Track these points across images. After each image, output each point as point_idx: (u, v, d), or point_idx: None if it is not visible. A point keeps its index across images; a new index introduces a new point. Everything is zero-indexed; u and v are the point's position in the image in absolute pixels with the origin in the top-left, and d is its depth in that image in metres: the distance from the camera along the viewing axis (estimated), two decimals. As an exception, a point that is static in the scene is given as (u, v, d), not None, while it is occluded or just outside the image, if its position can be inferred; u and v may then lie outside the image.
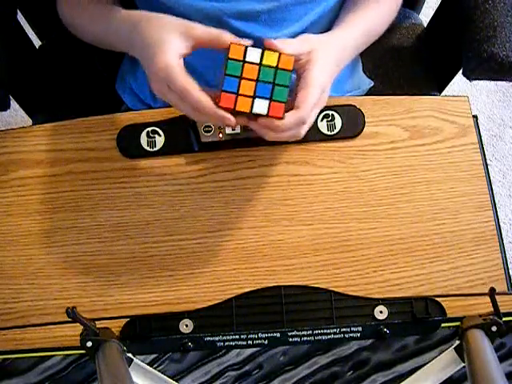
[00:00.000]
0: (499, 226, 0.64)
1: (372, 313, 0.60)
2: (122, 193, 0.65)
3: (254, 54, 0.54)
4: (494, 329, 0.55)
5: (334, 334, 0.60)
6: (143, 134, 0.66)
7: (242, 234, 0.64)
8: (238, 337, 0.60)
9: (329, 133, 0.66)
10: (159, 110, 0.68)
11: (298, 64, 0.57)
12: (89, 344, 0.55)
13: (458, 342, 0.57)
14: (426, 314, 0.60)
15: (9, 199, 0.66)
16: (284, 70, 0.54)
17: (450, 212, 0.64)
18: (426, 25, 0.99)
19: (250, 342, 0.60)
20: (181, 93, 0.53)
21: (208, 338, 0.60)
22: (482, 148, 0.67)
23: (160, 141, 0.66)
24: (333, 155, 0.66)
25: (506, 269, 0.62)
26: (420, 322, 0.60)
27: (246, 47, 0.54)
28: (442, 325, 0.60)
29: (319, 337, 0.60)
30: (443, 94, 0.94)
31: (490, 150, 1.49)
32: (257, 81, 0.54)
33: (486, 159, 0.66)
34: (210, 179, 0.65)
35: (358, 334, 0.60)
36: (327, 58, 0.58)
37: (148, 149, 0.66)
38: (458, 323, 0.59)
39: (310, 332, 0.60)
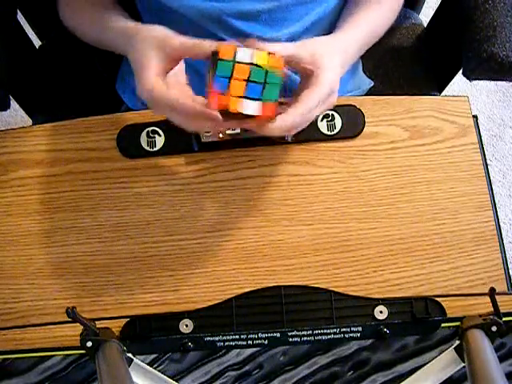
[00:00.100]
0: (499, 226, 0.64)
1: (372, 313, 0.60)
2: (121, 193, 0.65)
3: (244, 54, 0.53)
4: (494, 329, 0.55)
5: (334, 334, 0.60)
6: (143, 134, 0.66)
7: (242, 234, 0.64)
8: (237, 337, 0.60)
9: (329, 133, 0.66)
10: (159, 110, 0.68)
11: (301, 67, 0.57)
12: (89, 344, 0.55)
13: (458, 342, 0.57)
14: (426, 314, 0.60)
15: (9, 199, 0.66)
16: (274, 68, 0.54)
17: (450, 212, 0.64)
18: (426, 25, 0.99)
19: (250, 341, 0.60)
20: (169, 107, 0.54)
21: (208, 338, 0.60)
22: (482, 148, 0.67)
23: (160, 141, 0.66)
24: (333, 155, 0.66)
25: (506, 269, 0.62)
26: (420, 322, 0.60)
27: (236, 47, 0.53)
28: (442, 325, 0.60)
29: (319, 337, 0.60)
30: (443, 93, 0.94)
31: (490, 150, 1.49)
32: (248, 81, 0.53)
33: (485, 159, 0.66)
34: (209, 179, 0.65)
35: (358, 334, 0.60)
36: (334, 61, 0.58)
37: (148, 149, 0.66)
38: (458, 323, 0.59)
39: (310, 332, 0.60)
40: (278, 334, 0.60)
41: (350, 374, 0.59)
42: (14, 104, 0.84)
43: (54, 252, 0.64)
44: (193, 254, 0.63)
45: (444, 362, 0.57)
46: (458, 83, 1.51)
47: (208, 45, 0.53)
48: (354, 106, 0.67)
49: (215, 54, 0.53)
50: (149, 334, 0.60)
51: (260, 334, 0.60)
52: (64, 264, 0.63)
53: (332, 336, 0.60)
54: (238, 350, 0.60)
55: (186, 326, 0.60)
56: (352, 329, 0.60)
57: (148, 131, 0.66)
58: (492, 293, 0.53)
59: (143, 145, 0.66)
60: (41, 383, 0.59)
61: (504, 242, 0.64)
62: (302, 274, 0.62)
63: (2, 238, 0.64)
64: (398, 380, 0.58)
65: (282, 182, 0.65)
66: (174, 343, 0.60)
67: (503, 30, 0.72)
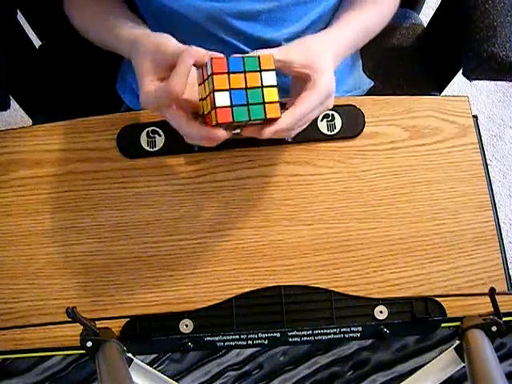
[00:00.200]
0: (499, 226, 0.64)
1: (372, 313, 0.60)
2: (122, 193, 0.65)
3: (236, 63, 0.53)
4: (493, 329, 0.55)
5: (334, 334, 0.60)
6: (143, 134, 0.66)
7: (242, 234, 0.64)
8: (237, 337, 0.60)
9: (329, 133, 0.66)
10: (159, 109, 0.68)
11: (295, 72, 0.57)
12: (89, 344, 0.55)
13: (458, 342, 0.57)
14: (426, 314, 0.60)
15: (9, 199, 0.66)
16: (267, 70, 0.54)
17: (450, 212, 0.64)
18: (426, 25, 0.99)
19: (250, 341, 0.60)
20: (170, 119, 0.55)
21: (208, 338, 0.60)
22: (482, 148, 0.67)
23: (160, 141, 0.66)
24: (333, 155, 0.66)
25: (506, 269, 0.62)
26: (420, 322, 0.60)
27: (228, 58, 0.53)
28: (442, 325, 0.60)
29: (319, 337, 0.60)
30: (443, 93, 0.94)
31: (490, 150, 1.49)
32: (246, 88, 0.53)
33: (486, 159, 0.66)
34: (209, 179, 0.65)
35: (358, 334, 0.60)
36: (327, 59, 0.58)
37: (148, 149, 0.66)
38: (458, 323, 0.59)
39: (310, 332, 0.60)
40: (278, 334, 0.60)
41: (349, 373, 0.59)
42: (14, 104, 0.84)
43: (54, 252, 0.64)
44: (193, 254, 0.63)
45: (444, 362, 0.57)
46: (458, 83, 1.51)
47: (201, 52, 0.53)
48: (354, 106, 0.67)
49: (209, 66, 0.52)
50: (149, 334, 0.60)
51: (260, 334, 0.60)
52: (64, 264, 0.63)
53: (332, 336, 0.60)
54: (238, 350, 0.60)
55: (186, 326, 0.60)
56: (352, 329, 0.60)
57: (148, 131, 0.66)
58: (492, 293, 0.53)
59: (143, 145, 0.66)
60: (41, 383, 0.59)
61: (504, 241, 0.64)
62: (302, 274, 0.62)
63: (2, 238, 0.64)
64: (398, 380, 0.58)
65: (281, 182, 0.65)
66: (173, 343, 0.60)
67: (503, 29, 0.73)
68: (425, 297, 0.60)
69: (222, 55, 0.53)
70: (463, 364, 0.56)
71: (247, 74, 0.53)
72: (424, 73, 0.94)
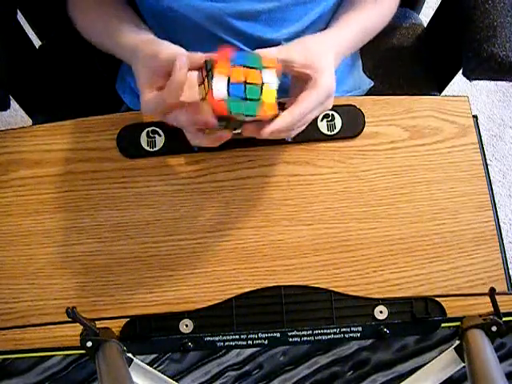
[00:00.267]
0: (499, 226, 0.64)
1: (372, 313, 0.60)
2: (122, 193, 0.65)
3: (240, 57, 0.53)
4: (493, 329, 0.55)
5: (334, 334, 0.60)
6: (143, 134, 0.66)
7: (242, 234, 0.64)
8: (238, 337, 0.60)
9: (329, 133, 0.66)
10: (159, 109, 0.68)
11: (295, 71, 0.57)
12: (89, 344, 0.55)
13: (458, 342, 0.57)
14: (426, 313, 0.60)
15: (9, 199, 0.66)
16: (269, 68, 0.54)
17: (450, 212, 0.64)
18: (426, 25, 0.99)
19: (250, 342, 0.60)
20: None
21: (208, 338, 0.60)
22: (482, 148, 0.67)
23: (160, 141, 0.66)
24: (333, 155, 0.66)
25: (506, 269, 0.62)
26: (420, 322, 0.60)
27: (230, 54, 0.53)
28: (442, 325, 0.60)
29: (319, 337, 0.60)
30: (443, 93, 0.94)
31: (490, 150, 1.49)
32: (245, 83, 0.53)
33: (486, 159, 0.66)
34: (209, 179, 0.65)
35: (358, 334, 0.60)
36: (329, 60, 0.58)
37: (148, 149, 0.66)
38: (458, 323, 0.59)
39: (310, 332, 0.60)
40: (278, 334, 0.60)
41: (349, 373, 0.59)
42: (14, 104, 0.84)
43: (54, 252, 0.64)
44: (193, 254, 0.63)
45: (444, 362, 0.57)
46: (458, 83, 1.51)
47: (195, 57, 0.53)
48: (354, 106, 0.67)
49: (208, 63, 0.52)
50: (149, 334, 0.60)
51: (260, 334, 0.60)
52: (64, 264, 0.63)
53: (332, 336, 0.60)
54: (238, 350, 0.60)
55: (186, 326, 0.60)
56: (352, 329, 0.60)
57: (148, 131, 0.66)
58: (492, 293, 0.53)
59: (143, 145, 0.66)
60: (41, 383, 0.59)
61: (504, 241, 0.64)
62: (302, 274, 0.62)
63: (2, 237, 0.64)
64: (398, 380, 0.58)
65: (281, 182, 0.65)
66: (174, 343, 0.60)
67: (503, 30, 0.73)
68: (425, 297, 0.60)
69: (224, 49, 0.53)
70: (463, 364, 0.56)
71: (248, 70, 0.53)
72: (424, 73, 0.94)
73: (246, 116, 0.52)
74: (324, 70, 0.56)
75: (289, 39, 0.67)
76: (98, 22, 0.69)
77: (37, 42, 0.98)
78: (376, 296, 0.61)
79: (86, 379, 0.59)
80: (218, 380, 0.59)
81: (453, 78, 0.90)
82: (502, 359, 0.59)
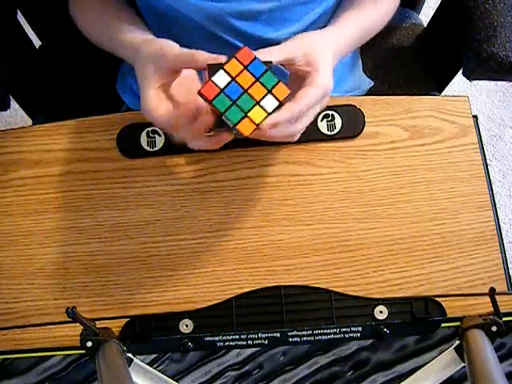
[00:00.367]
0: (499, 226, 0.64)
1: (372, 313, 0.60)
2: (122, 193, 0.65)
3: (257, 67, 0.53)
4: (493, 329, 0.55)
5: (334, 334, 0.60)
6: (143, 134, 0.66)
7: (242, 234, 0.64)
8: (238, 337, 0.60)
9: (329, 133, 0.66)
10: (159, 109, 0.68)
11: (295, 68, 0.57)
12: (89, 344, 0.55)
13: (458, 342, 0.57)
14: (426, 313, 0.60)
15: (9, 199, 0.66)
16: (274, 96, 0.54)
17: (450, 212, 0.64)
18: (426, 25, 0.99)
19: (250, 341, 0.60)
20: (170, 128, 0.56)
21: (208, 338, 0.60)
22: (482, 148, 0.67)
23: (160, 141, 0.66)
24: (333, 155, 0.66)
25: (506, 269, 0.62)
26: (420, 322, 0.60)
27: (256, 57, 0.53)
28: (442, 325, 0.60)
29: (319, 337, 0.60)
30: (443, 94, 0.94)
31: (490, 150, 1.49)
32: (245, 91, 0.53)
33: (486, 159, 0.66)
34: (209, 179, 0.65)
35: (358, 334, 0.60)
36: (327, 59, 0.58)
37: (148, 149, 0.66)
38: (458, 323, 0.59)
39: (310, 332, 0.60)
40: (278, 334, 0.60)
41: (349, 373, 0.59)
42: (14, 104, 0.84)
43: (53, 252, 0.64)
44: (193, 253, 0.63)
45: (444, 362, 0.57)
46: (458, 83, 1.51)
47: (202, 56, 0.53)
48: (354, 106, 0.67)
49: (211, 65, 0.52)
50: (149, 334, 0.60)
51: (260, 334, 0.60)
52: (64, 264, 0.63)
53: (332, 336, 0.60)
54: (238, 350, 0.60)
55: (186, 326, 0.60)
56: (352, 329, 0.60)
57: (148, 131, 0.66)
58: (492, 293, 0.53)
59: (143, 145, 0.66)
60: (41, 383, 0.59)
61: (504, 241, 0.64)
62: (302, 274, 0.62)
63: (2, 238, 0.64)
64: (398, 380, 0.58)
65: (281, 181, 0.65)
66: (173, 343, 0.60)
67: (503, 30, 0.73)
68: (425, 297, 0.60)
69: (251, 51, 0.53)
70: (463, 364, 0.56)
71: (256, 83, 0.52)
72: (424, 73, 0.94)
73: (226, 118, 0.52)
74: (323, 69, 0.56)
75: (289, 39, 0.67)
76: (98, 22, 0.69)
77: (37, 42, 0.98)
78: (376, 296, 0.61)
79: (86, 379, 0.59)
80: (217, 380, 0.59)
81: (453, 78, 0.90)
82: (501, 359, 0.59)
